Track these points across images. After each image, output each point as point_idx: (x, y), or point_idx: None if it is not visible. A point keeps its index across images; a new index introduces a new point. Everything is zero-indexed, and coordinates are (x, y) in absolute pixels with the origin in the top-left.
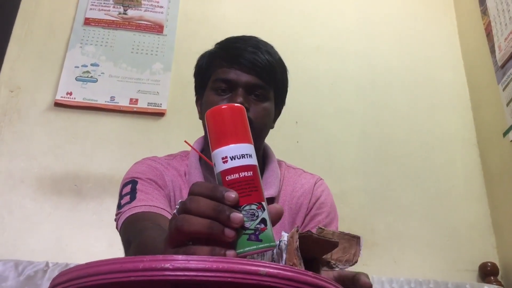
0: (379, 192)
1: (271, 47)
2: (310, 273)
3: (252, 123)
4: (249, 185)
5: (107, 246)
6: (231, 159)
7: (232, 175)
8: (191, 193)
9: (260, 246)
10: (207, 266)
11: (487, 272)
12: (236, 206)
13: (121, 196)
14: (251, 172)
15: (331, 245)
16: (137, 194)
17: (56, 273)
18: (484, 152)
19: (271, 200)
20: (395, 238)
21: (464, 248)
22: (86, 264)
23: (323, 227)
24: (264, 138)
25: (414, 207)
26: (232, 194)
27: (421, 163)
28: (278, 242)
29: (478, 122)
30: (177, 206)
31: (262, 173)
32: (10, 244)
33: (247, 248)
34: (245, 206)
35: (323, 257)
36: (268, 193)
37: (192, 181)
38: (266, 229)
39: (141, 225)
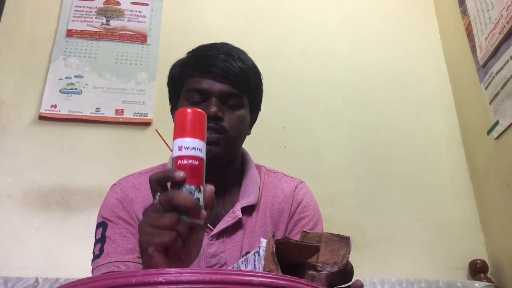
0: (368, 194)
1: (244, 53)
2: (303, 280)
3: (227, 132)
4: (194, 170)
5: None
6: (185, 149)
7: (182, 160)
8: (149, 180)
9: (188, 219)
10: (200, 278)
11: (477, 269)
12: (181, 184)
13: (95, 239)
14: (198, 162)
15: (312, 250)
16: (105, 245)
17: None
18: (469, 150)
19: (251, 208)
20: (385, 239)
21: (454, 246)
22: (79, 280)
23: (308, 231)
24: (241, 145)
25: (402, 207)
26: (181, 174)
27: (408, 164)
28: (258, 249)
29: (462, 121)
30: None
31: (241, 180)
32: None
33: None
34: (186, 185)
35: (308, 260)
36: (247, 201)
37: None
38: None
39: None
